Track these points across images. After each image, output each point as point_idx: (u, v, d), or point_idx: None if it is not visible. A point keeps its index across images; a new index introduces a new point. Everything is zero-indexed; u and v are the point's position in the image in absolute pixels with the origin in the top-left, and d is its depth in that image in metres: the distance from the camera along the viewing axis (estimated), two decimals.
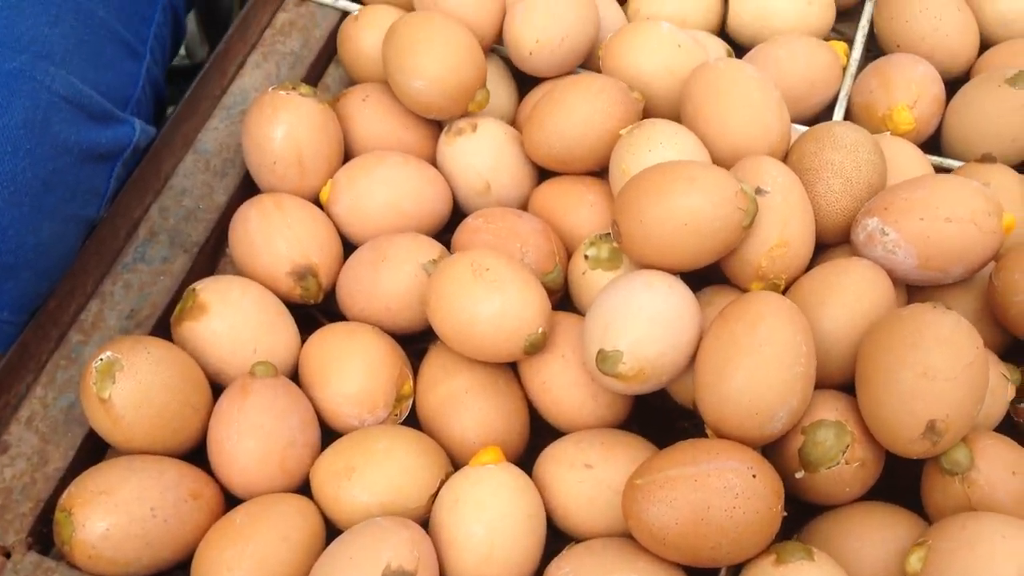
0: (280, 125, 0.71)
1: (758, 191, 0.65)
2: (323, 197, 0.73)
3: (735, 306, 0.60)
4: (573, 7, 0.77)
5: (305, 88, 0.73)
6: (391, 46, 0.73)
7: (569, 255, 0.72)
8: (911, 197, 0.64)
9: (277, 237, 0.68)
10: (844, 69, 0.83)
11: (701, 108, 0.71)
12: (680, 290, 0.61)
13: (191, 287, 0.66)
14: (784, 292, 0.66)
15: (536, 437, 0.66)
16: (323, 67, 0.84)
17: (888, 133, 0.78)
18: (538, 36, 0.76)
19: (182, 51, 1.65)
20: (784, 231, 0.64)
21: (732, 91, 0.70)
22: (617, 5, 0.86)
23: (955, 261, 0.64)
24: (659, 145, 0.68)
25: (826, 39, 0.87)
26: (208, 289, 0.66)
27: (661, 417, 0.68)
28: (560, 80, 0.75)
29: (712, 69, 0.71)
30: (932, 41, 0.82)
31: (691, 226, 0.61)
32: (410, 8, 0.82)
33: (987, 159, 0.74)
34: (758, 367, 0.57)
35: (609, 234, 0.68)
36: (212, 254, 0.73)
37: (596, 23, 0.79)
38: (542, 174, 0.76)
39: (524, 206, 0.76)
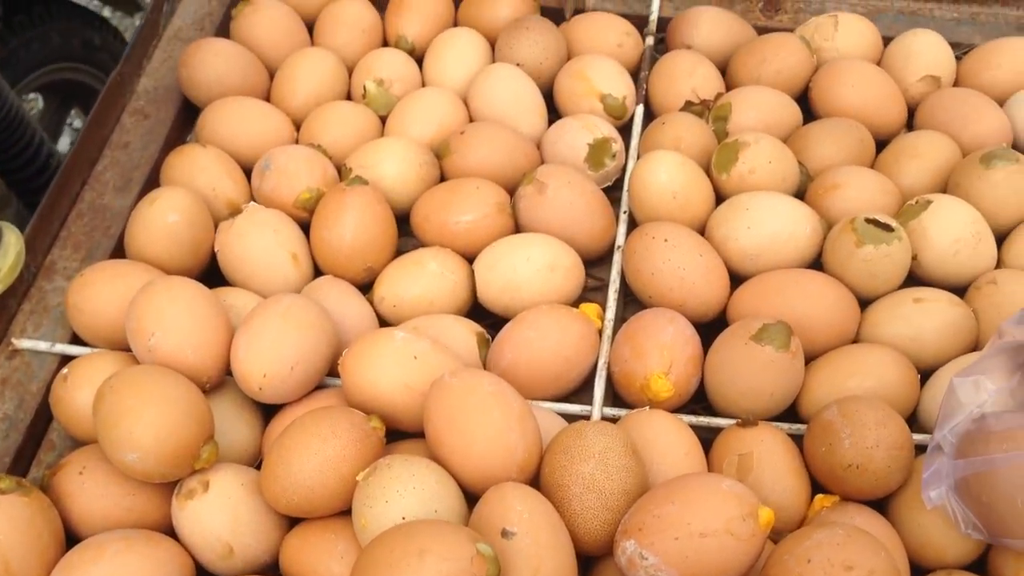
0: None
1: (504, 533, 0.60)
2: None
3: None
4: (302, 329, 0.73)
5: (6, 481, 0.65)
6: (98, 416, 0.67)
7: None
8: (663, 513, 0.61)
9: None
10: (600, 332, 0.81)
11: (442, 434, 0.67)
12: None
13: None
14: None
15: None
16: (45, 424, 0.77)
17: (648, 408, 0.75)
18: (266, 370, 0.71)
19: None
20: None
21: (470, 413, 0.66)
22: (360, 298, 0.82)
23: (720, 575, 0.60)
24: (396, 494, 0.63)
25: (580, 298, 0.85)
26: None
27: None
28: (293, 418, 0.70)
29: (448, 389, 0.67)
30: (681, 291, 0.80)
31: None
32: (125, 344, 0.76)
33: (747, 424, 0.72)
34: None
35: None
36: None
37: (331, 338, 0.75)
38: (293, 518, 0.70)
39: (276, 561, 0.69)
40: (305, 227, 0.87)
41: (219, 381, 0.74)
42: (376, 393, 0.71)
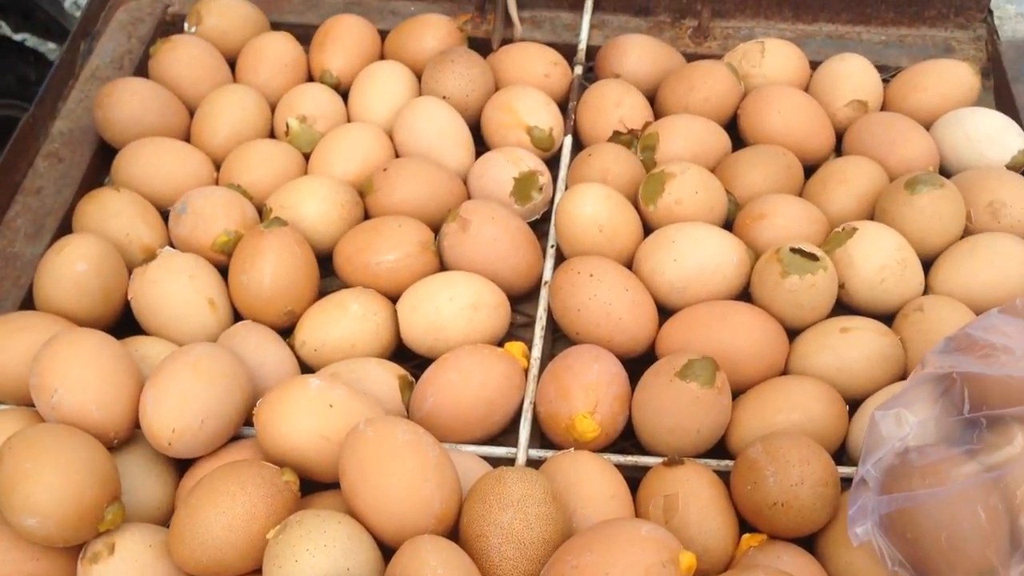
0: None
1: None
2: None
3: None
4: (213, 380, 0.70)
5: None
6: None
7: None
8: (581, 564, 0.59)
9: None
10: (526, 371, 0.79)
11: (356, 486, 0.64)
12: None
13: None
14: None
15: None
16: None
17: (573, 449, 0.73)
18: (174, 424, 0.69)
19: None
20: None
21: (385, 464, 0.64)
22: (280, 343, 0.80)
23: None
24: (306, 553, 0.60)
25: (508, 335, 0.83)
26: None
27: None
28: (202, 476, 0.67)
29: (362, 438, 0.65)
30: (608, 326, 0.79)
31: None
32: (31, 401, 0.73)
33: (673, 463, 0.71)
34: None
35: None
36: None
37: (244, 388, 0.72)
38: None
39: None
40: (224, 271, 0.84)
41: (128, 437, 0.72)
42: (291, 444, 0.68)
